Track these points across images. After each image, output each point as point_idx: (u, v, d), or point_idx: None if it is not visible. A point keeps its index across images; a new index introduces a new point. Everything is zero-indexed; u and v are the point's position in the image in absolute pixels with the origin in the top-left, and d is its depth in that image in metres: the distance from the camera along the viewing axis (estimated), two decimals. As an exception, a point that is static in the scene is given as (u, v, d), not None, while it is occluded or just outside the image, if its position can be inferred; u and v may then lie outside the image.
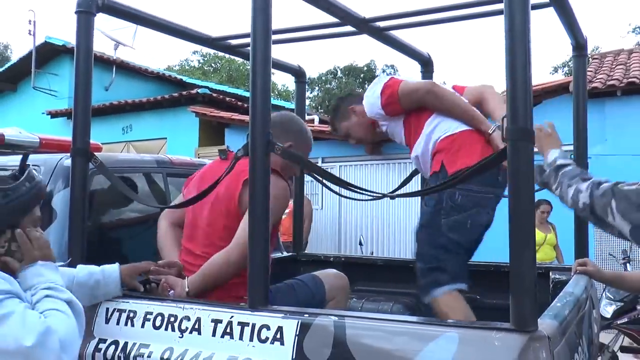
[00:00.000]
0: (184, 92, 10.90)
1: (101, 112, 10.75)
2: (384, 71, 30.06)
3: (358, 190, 1.89)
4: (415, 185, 3.14)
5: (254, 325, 1.63)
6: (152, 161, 2.96)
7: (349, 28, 2.77)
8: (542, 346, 1.36)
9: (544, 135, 1.99)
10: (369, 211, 8.59)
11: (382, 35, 2.81)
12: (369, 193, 1.98)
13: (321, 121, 10.58)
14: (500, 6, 2.25)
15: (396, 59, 35.11)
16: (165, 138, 11.00)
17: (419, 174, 2.85)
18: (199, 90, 10.70)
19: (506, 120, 1.40)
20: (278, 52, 1.85)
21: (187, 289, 1.96)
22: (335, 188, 3.31)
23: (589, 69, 7.95)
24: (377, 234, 8.47)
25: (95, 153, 2.21)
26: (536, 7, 2.31)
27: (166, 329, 1.76)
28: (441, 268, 2.24)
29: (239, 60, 25.03)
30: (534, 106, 1.44)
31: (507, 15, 1.43)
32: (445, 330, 1.44)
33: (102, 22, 2.28)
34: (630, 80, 7.09)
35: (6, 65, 14.40)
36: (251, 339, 1.61)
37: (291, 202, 2.88)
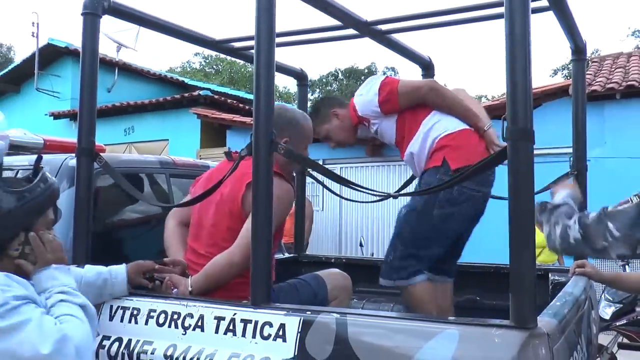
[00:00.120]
0: (186, 94, 10.93)
1: (103, 113, 10.78)
2: (384, 73, 30.15)
3: (363, 190, 1.91)
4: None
5: (256, 323, 1.65)
6: (155, 162, 2.98)
7: (350, 31, 2.79)
8: (542, 343, 1.37)
9: (564, 185, 1.95)
10: (369, 212, 8.61)
11: (384, 38, 2.83)
12: (374, 192, 2.02)
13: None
14: (500, 10, 2.28)
15: (397, 62, 35.19)
16: (167, 139, 11.03)
17: None
18: (201, 92, 10.73)
19: (507, 121, 1.43)
20: (280, 54, 1.86)
21: (190, 288, 1.99)
22: (337, 190, 3.33)
23: (588, 72, 7.97)
24: (378, 235, 8.48)
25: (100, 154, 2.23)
26: (536, 10, 2.34)
27: (169, 326, 1.78)
28: (421, 256, 2.33)
29: (240, 62, 25.07)
30: (533, 109, 1.46)
31: (507, 19, 1.45)
32: (445, 327, 1.45)
33: (105, 25, 2.31)
34: (629, 83, 7.11)
35: (9, 67, 14.47)
36: (254, 336, 1.63)
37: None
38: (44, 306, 1.29)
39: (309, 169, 2.98)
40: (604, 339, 4.09)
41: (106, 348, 1.82)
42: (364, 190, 1.91)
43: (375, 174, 8.65)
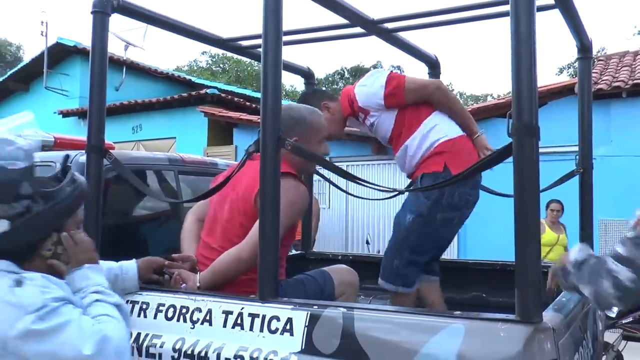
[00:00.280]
0: (193, 93, 10.98)
1: (112, 111, 10.85)
2: (390, 71, 30.06)
3: (373, 187, 1.93)
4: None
5: (264, 317, 1.67)
6: (164, 159, 3.01)
7: (357, 29, 2.80)
8: (547, 337, 1.38)
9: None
10: (376, 210, 8.62)
11: (390, 37, 2.84)
12: (384, 189, 2.04)
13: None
14: (506, 8, 2.29)
15: (402, 60, 35.12)
16: (175, 137, 11.09)
17: None
18: (208, 91, 10.77)
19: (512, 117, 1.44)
20: (286, 52, 1.87)
21: (198, 284, 2.01)
22: (344, 187, 3.34)
23: (594, 71, 7.95)
24: (384, 233, 8.49)
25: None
26: (542, 9, 2.34)
27: (178, 320, 1.80)
28: (420, 262, 2.43)
29: (247, 60, 25.12)
30: (539, 107, 1.47)
31: (513, 17, 1.46)
32: (451, 321, 1.47)
33: (113, 23, 2.33)
34: (635, 81, 7.09)
35: (19, 66, 14.58)
36: (261, 330, 1.65)
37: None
38: (80, 306, 1.28)
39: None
40: (610, 336, 4.08)
41: (116, 341, 1.84)
42: (374, 186, 1.93)
43: (381, 171, 8.66)
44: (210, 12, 57.38)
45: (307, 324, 1.60)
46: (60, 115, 12.22)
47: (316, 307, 1.64)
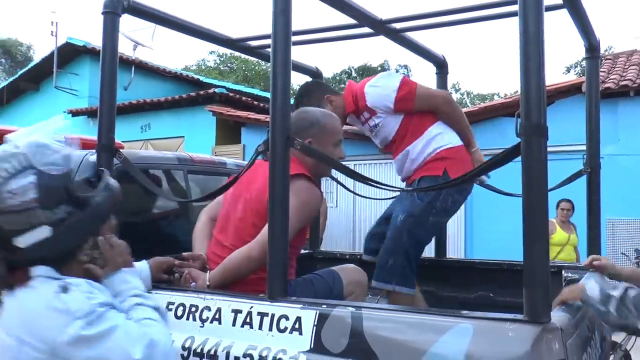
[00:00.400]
0: (201, 92, 11.02)
1: (120, 111, 10.81)
2: (397, 71, 30.10)
3: (382, 187, 1.94)
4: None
5: (273, 316, 1.67)
6: (173, 158, 3.03)
7: (365, 29, 2.81)
8: (555, 337, 1.38)
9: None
10: (383, 209, 8.61)
11: (398, 37, 2.84)
12: (393, 189, 2.05)
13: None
14: (514, 8, 2.29)
15: (409, 60, 35.06)
16: (183, 136, 11.14)
17: None
18: (216, 90, 10.82)
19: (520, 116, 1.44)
20: (294, 52, 1.89)
21: (208, 282, 2.02)
22: (351, 186, 3.34)
23: (601, 69, 7.91)
24: (392, 233, 8.47)
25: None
26: (550, 8, 2.33)
27: (187, 318, 1.81)
28: (415, 257, 2.47)
29: (254, 60, 25.15)
30: (546, 106, 1.47)
31: (521, 17, 1.46)
32: (459, 321, 1.47)
33: (122, 23, 2.35)
34: (642, 80, 7.05)
35: (29, 66, 14.69)
36: (270, 329, 1.66)
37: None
38: (122, 310, 1.27)
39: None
40: (618, 336, 4.06)
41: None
42: (383, 186, 1.93)
43: (388, 170, 8.66)
44: (217, 12, 57.51)
45: (315, 323, 1.61)
46: (70, 115, 12.30)
47: (325, 306, 1.65)
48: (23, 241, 1.17)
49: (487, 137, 7.76)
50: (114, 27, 2.25)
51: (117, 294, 1.32)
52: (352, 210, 8.97)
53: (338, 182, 2.97)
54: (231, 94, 11.12)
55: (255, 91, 14.79)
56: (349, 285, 2.16)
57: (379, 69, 32.51)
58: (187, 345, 1.75)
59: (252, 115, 9.94)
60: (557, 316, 1.48)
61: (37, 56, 21.74)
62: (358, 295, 2.19)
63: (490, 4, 2.55)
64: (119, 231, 1.47)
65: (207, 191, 2.59)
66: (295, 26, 1.85)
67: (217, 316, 1.77)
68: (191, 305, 1.83)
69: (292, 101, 2.15)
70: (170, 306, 1.86)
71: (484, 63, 55.84)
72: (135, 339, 1.19)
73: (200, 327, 1.78)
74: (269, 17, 1.80)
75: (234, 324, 1.73)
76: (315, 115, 2.27)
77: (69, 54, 12.94)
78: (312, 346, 1.59)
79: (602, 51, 2.81)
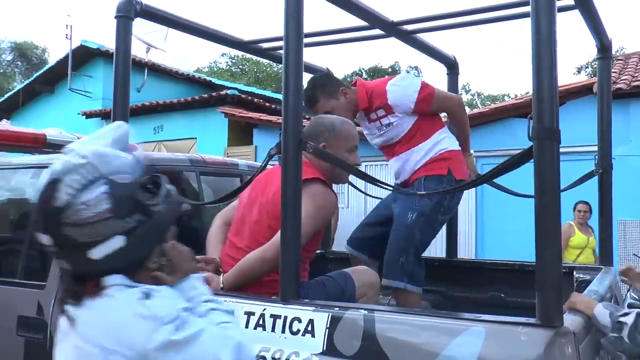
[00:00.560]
0: (214, 93, 11.07)
1: (133, 112, 10.96)
2: (407, 72, 30.03)
3: (394, 189, 1.94)
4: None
5: (285, 318, 1.68)
6: (185, 160, 3.05)
7: (376, 31, 2.81)
8: (568, 342, 1.38)
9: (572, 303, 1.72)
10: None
11: (409, 38, 2.84)
12: (404, 192, 2.06)
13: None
14: (526, 9, 2.28)
15: (420, 61, 35.00)
16: (195, 138, 11.19)
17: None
18: (228, 92, 10.86)
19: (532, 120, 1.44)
20: (305, 54, 1.89)
21: (221, 285, 2.03)
22: (362, 187, 3.35)
23: (613, 70, 7.84)
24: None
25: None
26: (562, 9, 2.32)
27: (201, 320, 1.83)
28: (420, 258, 2.52)
29: (266, 62, 25.23)
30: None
31: (533, 18, 1.46)
32: (472, 324, 1.47)
33: (135, 26, 2.38)
34: (655, 81, 6.97)
35: (44, 68, 14.86)
36: (283, 331, 1.67)
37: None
38: (200, 316, 1.25)
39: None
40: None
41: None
42: (395, 189, 1.94)
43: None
44: (229, 14, 57.76)
45: (328, 326, 1.61)
46: (84, 116, 12.42)
47: (337, 308, 1.66)
48: (97, 253, 1.15)
49: (498, 138, 7.72)
50: (127, 30, 2.27)
51: (188, 300, 1.29)
52: (363, 210, 8.94)
53: (350, 184, 2.97)
54: (243, 96, 11.15)
55: (267, 93, 14.82)
56: (362, 287, 2.16)
57: (390, 70, 32.50)
58: (200, 346, 1.76)
59: (264, 116, 9.96)
60: (570, 320, 1.48)
61: (52, 59, 22.01)
62: (370, 297, 2.19)
63: (502, 5, 2.55)
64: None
65: (219, 192, 2.61)
66: (306, 28, 1.86)
67: (230, 318, 1.78)
68: (204, 307, 1.84)
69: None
70: (183, 308, 1.87)
71: (495, 64, 55.53)
72: (221, 342, 1.18)
73: (213, 328, 1.79)
74: (280, 19, 1.81)
75: (247, 326, 1.73)
76: (330, 121, 2.29)
77: (83, 57, 13.06)
78: (324, 348, 1.59)
79: (613, 51, 2.79)
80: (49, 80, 14.18)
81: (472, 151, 2.82)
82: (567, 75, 32.15)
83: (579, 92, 7.25)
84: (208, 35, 2.78)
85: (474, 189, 7.48)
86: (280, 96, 1.84)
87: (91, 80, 12.89)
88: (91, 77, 12.92)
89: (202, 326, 1.18)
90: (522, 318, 1.46)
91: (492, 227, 8.00)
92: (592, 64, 24.83)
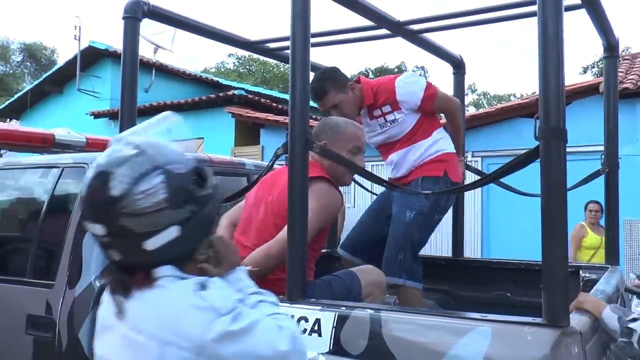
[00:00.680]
0: (221, 94, 11.10)
1: (141, 113, 10.80)
2: (414, 72, 30.04)
3: (400, 189, 1.95)
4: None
5: (292, 317, 1.68)
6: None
7: (383, 31, 2.82)
8: (574, 341, 1.37)
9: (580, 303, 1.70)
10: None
11: (416, 38, 2.85)
12: (410, 191, 2.06)
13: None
14: (533, 8, 2.27)
15: (426, 61, 34.93)
16: (203, 138, 11.22)
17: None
18: (235, 92, 10.89)
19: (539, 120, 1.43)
20: (312, 54, 1.90)
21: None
22: (368, 186, 3.36)
23: (619, 70, 7.78)
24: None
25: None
26: (569, 8, 2.32)
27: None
28: (417, 256, 2.57)
29: (273, 62, 25.26)
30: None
31: (540, 17, 1.45)
32: (478, 324, 1.47)
33: (142, 27, 2.39)
34: (661, 81, 6.92)
35: (53, 69, 14.95)
36: (290, 330, 1.68)
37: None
38: (251, 307, 1.24)
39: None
40: None
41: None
42: (401, 189, 1.94)
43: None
44: (236, 14, 57.87)
45: (335, 325, 1.62)
46: (92, 117, 12.48)
47: (344, 308, 1.66)
48: (152, 243, 1.13)
49: (504, 138, 7.69)
50: (135, 31, 2.28)
51: (238, 291, 1.28)
52: (370, 210, 8.95)
53: (356, 182, 2.98)
54: (250, 96, 11.18)
55: (274, 93, 14.84)
56: (368, 286, 2.16)
57: (396, 70, 32.45)
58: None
59: (271, 116, 9.97)
60: (577, 320, 1.47)
61: (61, 60, 22.14)
62: (376, 296, 2.20)
63: (508, 4, 2.54)
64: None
65: (226, 192, 2.61)
66: (313, 28, 1.86)
67: (236, 317, 1.78)
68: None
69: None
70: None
71: (501, 64, 55.31)
72: (277, 332, 1.18)
73: (220, 327, 1.80)
74: (287, 19, 1.82)
75: (253, 325, 1.74)
76: (335, 121, 2.31)
77: (92, 57, 13.13)
78: (331, 347, 1.60)
79: (619, 51, 2.78)
80: (58, 81, 14.26)
81: (462, 156, 2.91)
82: (573, 75, 32.04)
83: (585, 91, 7.22)
84: (215, 35, 2.80)
85: (479, 188, 7.45)
86: (287, 96, 1.85)
87: (99, 81, 12.95)
88: (99, 78, 12.98)
89: (257, 317, 1.17)
90: (528, 318, 1.46)
91: (497, 226, 7.97)
92: (598, 63, 24.65)
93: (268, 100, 11.58)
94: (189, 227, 1.16)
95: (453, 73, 3.18)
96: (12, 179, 2.94)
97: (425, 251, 2.73)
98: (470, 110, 24.35)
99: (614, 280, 2.24)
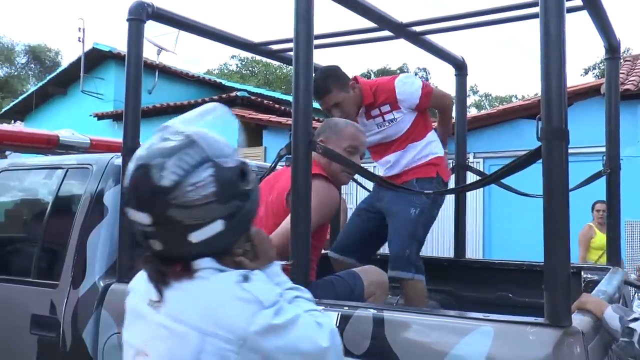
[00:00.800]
0: (224, 95, 11.13)
1: (144, 114, 10.81)
2: (416, 74, 30.06)
3: (401, 189, 1.96)
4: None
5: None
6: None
7: (385, 32, 2.82)
8: (576, 341, 1.38)
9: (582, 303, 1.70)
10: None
11: (418, 39, 2.85)
12: (411, 191, 2.07)
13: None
14: (535, 10, 2.28)
15: (428, 62, 34.90)
16: (205, 139, 11.23)
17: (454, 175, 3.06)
18: (238, 93, 10.92)
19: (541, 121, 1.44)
20: (315, 55, 1.90)
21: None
22: (369, 187, 3.37)
23: (621, 71, 7.78)
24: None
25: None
26: (570, 10, 2.32)
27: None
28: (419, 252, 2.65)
29: (275, 64, 25.27)
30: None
31: (542, 19, 1.46)
32: (480, 324, 1.47)
33: (146, 29, 2.40)
34: (662, 82, 6.91)
35: (57, 71, 15.00)
36: (292, 330, 1.68)
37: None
38: (289, 302, 1.23)
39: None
40: None
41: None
42: (402, 189, 1.95)
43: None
44: (239, 16, 57.95)
45: (337, 325, 1.62)
46: (96, 118, 12.52)
47: (347, 308, 1.67)
48: (197, 236, 1.12)
49: (506, 140, 7.68)
50: (139, 33, 2.29)
51: (276, 286, 1.27)
52: (372, 212, 8.95)
53: (357, 183, 2.99)
54: (253, 97, 11.21)
55: (277, 94, 14.87)
56: (370, 287, 2.17)
57: (398, 71, 32.43)
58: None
59: (274, 118, 9.99)
60: (579, 320, 1.48)
61: (65, 61, 22.15)
62: (379, 296, 2.20)
63: (510, 6, 2.55)
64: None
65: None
66: (316, 30, 1.87)
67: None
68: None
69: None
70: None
71: (503, 65, 55.27)
72: (317, 327, 1.17)
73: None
74: (290, 21, 1.82)
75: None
76: (336, 121, 2.33)
77: (96, 59, 13.17)
78: (333, 347, 1.60)
79: (620, 53, 2.79)
80: (62, 83, 14.31)
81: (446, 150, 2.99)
82: (574, 77, 32.02)
83: (587, 93, 7.22)
84: (218, 37, 2.81)
85: (481, 189, 7.45)
86: (289, 98, 1.85)
87: (103, 83, 13.00)
88: (103, 80, 13.02)
89: (298, 312, 1.17)
90: (530, 318, 1.46)
91: (499, 227, 7.97)
92: (600, 65, 24.61)
93: (271, 102, 11.60)
94: (233, 221, 1.16)
95: (455, 74, 3.19)
96: (16, 180, 2.95)
97: (427, 252, 2.75)
98: (472, 112, 24.30)
99: (616, 281, 2.24)
